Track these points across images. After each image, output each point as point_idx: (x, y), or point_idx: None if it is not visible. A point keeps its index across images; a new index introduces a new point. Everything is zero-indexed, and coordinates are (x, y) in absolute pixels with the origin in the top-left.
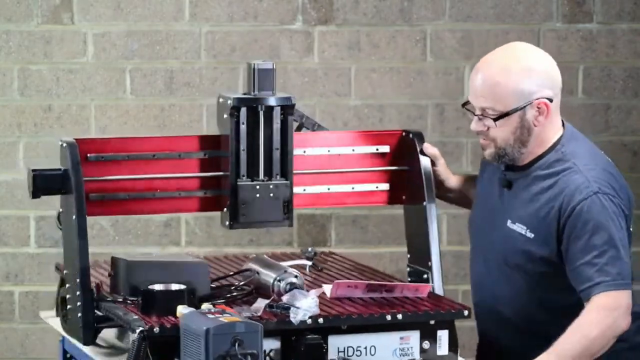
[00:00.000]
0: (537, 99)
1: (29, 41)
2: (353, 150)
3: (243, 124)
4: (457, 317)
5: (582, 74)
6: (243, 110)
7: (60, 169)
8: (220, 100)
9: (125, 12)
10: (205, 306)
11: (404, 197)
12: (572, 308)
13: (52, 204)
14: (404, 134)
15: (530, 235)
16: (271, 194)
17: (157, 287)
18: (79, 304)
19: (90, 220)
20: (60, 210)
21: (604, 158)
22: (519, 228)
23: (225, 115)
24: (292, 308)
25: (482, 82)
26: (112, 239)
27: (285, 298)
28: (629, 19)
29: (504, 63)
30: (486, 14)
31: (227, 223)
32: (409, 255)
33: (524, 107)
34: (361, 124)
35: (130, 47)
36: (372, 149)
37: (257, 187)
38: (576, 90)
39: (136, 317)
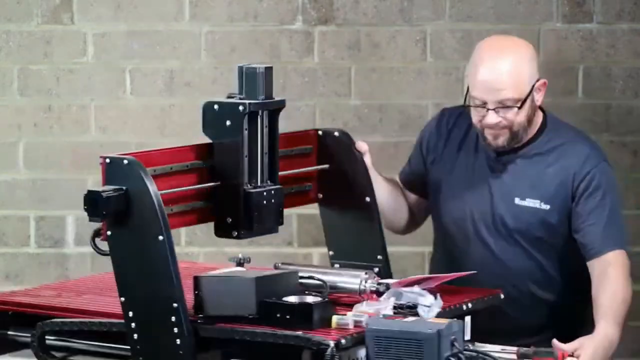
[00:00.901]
0: (538, 79)
1: (29, 41)
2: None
3: (246, 129)
4: (495, 302)
5: (582, 74)
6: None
7: (122, 188)
8: (217, 107)
9: (125, 12)
10: (338, 317)
11: (333, 196)
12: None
13: (52, 204)
14: (320, 132)
15: (545, 206)
16: (272, 200)
17: (295, 299)
18: (177, 330)
19: (90, 223)
20: (109, 232)
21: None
22: (532, 202)
23: (230, 122)
24: (420, 306)
25: (504, 75)
26: None
27: (387, 298)
28: (629, 19)
29: (514, 54)
30: (486, 14)
31: (236, 234)
32: (332, 253)
33: (532, 89)
34: (361, 124)
35: (130, 47)
36: (297, 149)
37: (264, 193)
38: (576, 90)
39: (310, 334)
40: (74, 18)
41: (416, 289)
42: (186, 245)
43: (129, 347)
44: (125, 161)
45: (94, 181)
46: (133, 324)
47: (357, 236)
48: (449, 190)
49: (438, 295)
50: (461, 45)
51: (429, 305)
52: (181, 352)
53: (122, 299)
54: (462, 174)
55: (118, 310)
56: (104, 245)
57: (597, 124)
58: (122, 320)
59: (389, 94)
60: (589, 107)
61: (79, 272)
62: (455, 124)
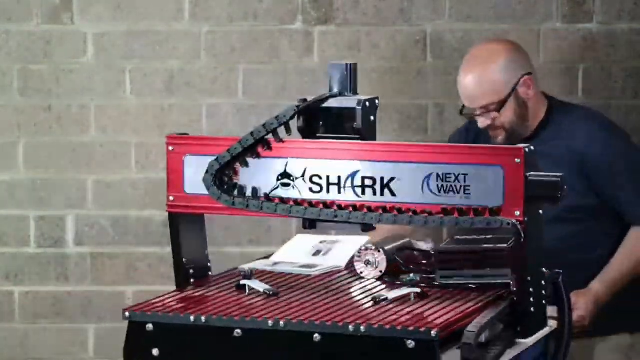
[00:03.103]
0: (520, 77)
1: (29, 41)
2: None
3: None
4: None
5: (582, 74)
6: None
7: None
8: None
9: (125, 12)
10: None
11: None
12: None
13: (52, 204)
14: None
15: None
16: None
17: None
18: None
19: (90, 220)
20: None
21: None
22: None
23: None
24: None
25: (474, 86)
26: (112, 239)
27: None
28: (629, 19)
29: (482, 65)
30: (486, 14)
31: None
32: None
33: (514, 88)
34: None
35: (130, 47)
36: None
37: None
38: (576, 90)
39: None
40: (74, 18)
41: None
42: None
43: None
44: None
45: (94, 181)
46: None
47: None
48: None
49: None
50: (461, 45)
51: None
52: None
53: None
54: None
55: None
56: None
57: None
58: None
59: (389, 94)
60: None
61: (79, 272)
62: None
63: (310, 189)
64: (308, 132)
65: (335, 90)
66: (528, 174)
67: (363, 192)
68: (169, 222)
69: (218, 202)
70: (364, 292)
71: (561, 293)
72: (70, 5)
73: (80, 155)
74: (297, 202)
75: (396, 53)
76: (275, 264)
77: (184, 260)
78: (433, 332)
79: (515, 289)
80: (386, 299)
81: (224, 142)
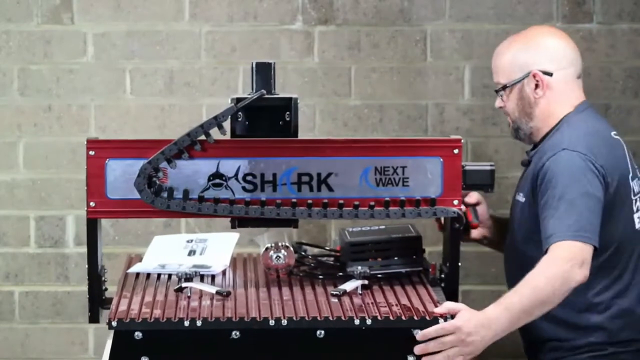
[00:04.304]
0: (531, 71)
1: (29, 41)
2: None
3: None
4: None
5: (582, 74)
6: None
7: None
8: None
9: (125, 12)
10: None
11: None
12: None
13: (52, 204)
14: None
15: (522, 199)
16: None
17: None
18: None
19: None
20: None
21: (597, 127)
22: (520, 197)
23: None
24: None
25: (494, 58)
26: (112, 238)
27: None
28: (629, 19)
29: (510, 40)
30: (486, 14)
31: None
32: None
33: (522, 79)
34: (361, 124)
35: (130, 47)
36: None
37: None
38: None
39: None
40: (74, 18)
41: None
42: None
43: None
44: None
45: None
46: None
47: None
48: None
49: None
50: (461, 45)
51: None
52: None
53: None
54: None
55: None
56: None
57: None
58: None
59: (389, 94)
60: None
61: (79, 272)
62: None
63: (244, 188)
64: (240, 131)
65: (263, 89)
66: (464, 164)
67: (299, 189)
68: (87, 229)
69: (145, 206)
70: (310, 287)
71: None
72: (70, 5)
73: (80, 155)
74: (233, 202)
75: (396, 53)
76: (163, 266)
77: (99, 266)
78: (440, 321)
79: (441, 274)
80: (345, 291)
81: (147, 145)
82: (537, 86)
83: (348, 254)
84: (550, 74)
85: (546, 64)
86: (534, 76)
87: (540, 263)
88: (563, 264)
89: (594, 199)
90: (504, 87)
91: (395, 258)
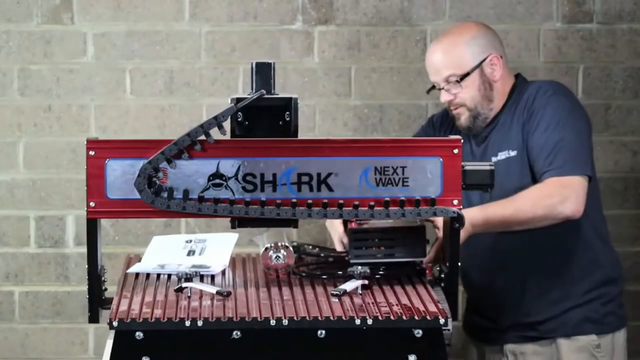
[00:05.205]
0: (488, 56)
1: (29, 41)
2: None
3: None
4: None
5: (582, 74)
6: None
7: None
8: None
9: (125, 12)
10: None
11: None
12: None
13: (52, 204)
14: None
15: (513, 153)
16: None
17: None
18: None
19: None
20: None
21: None
22: (504, 155)
23: None
24: None
25: (440, 56)
26: (112, 238)
27: None
28: (629, 19)
29: (450, 37)
30: (486, 14)
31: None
32: None
33: (480, 64)
34: (361, 124)
35: (130, 47)
36: None
37: None
38: (576, 90)
39: None
40: (74, 18)
41: None
42: None
43: None
44: None
45: None
46: None
47: None
48: None
49: None
50: None
51: None
52: None
53: None
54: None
55: None
56: None
57: (597, 124)
58: None
59: (389, 94)
60: (588, 107)
61: (79, 272)
62: (442, 121)
63: (244, 188)
64: (240, 131)
65: (262, 89)
66: (464, 164)
67: (299, 189)
68: (87, 229)
69: (144, 207)
70: (310, 286)
71: None
72: (70, 5)
73: (80, 155)
74: (233, 202)
75: (396, 53)
76: (162, 266)
77: (98, 266)
78: (441, 320)
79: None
80: (345, 291)
81: (147, 145)
82: (493, 69)
83: (351, 241)
84: (501, 56)
85: (497, 47)
86: (492, 59)
87: (534, 187)
88: (552, 193)
89: (586, 133)
90: (466, 75)
91: (398, 248)
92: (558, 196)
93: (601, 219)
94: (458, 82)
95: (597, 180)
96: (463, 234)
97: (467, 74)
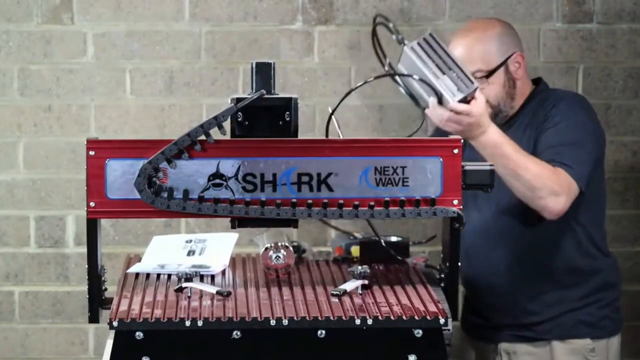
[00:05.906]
0: (513, 53)
1: (29, 41)
2: None
3: None
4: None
5: (582, 74)
6: None
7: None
8: None
9: (125, 12)
10: None
11: None
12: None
13: (52, 204)
14: None
15: None
16: None
17: None
18: None
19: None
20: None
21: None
22: None
23: None
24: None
25: (465, 51)
26: (112, 238)
27: None
28: (629, 19)
29: (475, 32)
30: (486, 14)
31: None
32: None
33: (506, 61)
34: (361, 124)
35: (130, 47)
36: None
37: None
38: (576, 90)
39: None
40: (74, 18)
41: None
42: None
43: None
44: None
45: None
46: None
47: None
48: None
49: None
50: None
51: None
52: None
53: None
54: (469, 155)
55: None
56: None
57: None
58: None
59: (389, 94)
60: None
61: (79, 272)
62: None
63: (244, 188)
64: (240, 131)
65: (262, 89)
66: (464, 164)
67: (299, 189)
68: (87, 229)
69: (144, 207)
70: (310, 286)
71: None
72: (70, 5)
73: (80, 155)
74: (233, 202)
75: (396, 53)
76: (162, 266)
77: (98, 266)
78: (441, 320)
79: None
80: (345, 291)
81: (147, 145)
82: (517, 67)
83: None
84: (523, 56)
85: (520, 45)
86: (517, 57)
87: (548, 165)
88: (553, 183)
89: (595, 152)
90: (493, 71)
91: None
92: (559, 188)
93: (602, 227)
94: (485, 77)
95: (606, 190)
96: (479, 127)
97: (494, 70)
